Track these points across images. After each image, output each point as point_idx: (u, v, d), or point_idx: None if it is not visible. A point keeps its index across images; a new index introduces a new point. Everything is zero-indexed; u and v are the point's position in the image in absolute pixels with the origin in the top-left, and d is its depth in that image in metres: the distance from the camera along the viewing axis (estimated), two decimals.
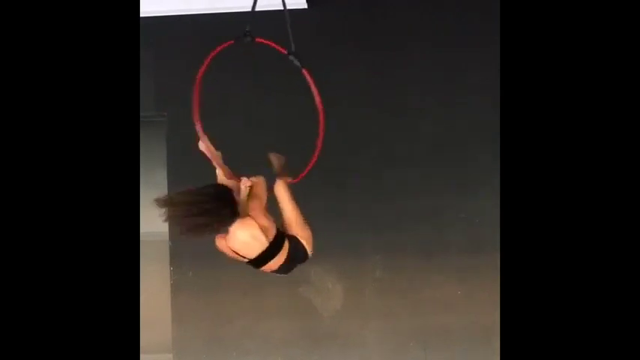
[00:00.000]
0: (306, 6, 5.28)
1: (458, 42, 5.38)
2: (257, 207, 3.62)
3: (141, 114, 5.55)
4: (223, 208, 3.55)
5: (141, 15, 5.36)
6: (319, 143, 3.75)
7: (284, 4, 3.83)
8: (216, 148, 3.75)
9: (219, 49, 3.55)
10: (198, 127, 3.61)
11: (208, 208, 3.54)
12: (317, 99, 3.70)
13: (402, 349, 5.37)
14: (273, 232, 3.63)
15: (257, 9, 3.83)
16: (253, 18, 3.65)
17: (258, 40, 3.66)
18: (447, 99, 5.39)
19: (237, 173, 3.65)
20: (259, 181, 3.71)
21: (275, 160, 3.89)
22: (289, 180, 3.83)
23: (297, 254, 3.71)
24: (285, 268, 3.74)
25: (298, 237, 3.71)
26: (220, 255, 5.33)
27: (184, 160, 5.50)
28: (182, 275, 5.48)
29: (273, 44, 3.65)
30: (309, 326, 5.41)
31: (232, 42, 3.57)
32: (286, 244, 3.68)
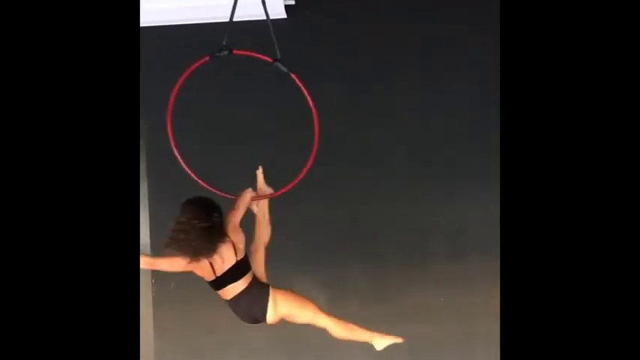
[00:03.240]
0: (285, 16, 5.29)
1: (445, 45, 5.40)
2: (234, 220, 3.54)
3: None
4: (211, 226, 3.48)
5: None
6: (314, 148, 3.73)
7: (266, 14, 3.84)
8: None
9: (193, 67, 3.53)
10: (177, 152, 3.57)
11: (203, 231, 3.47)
12: (310, 101, 3.70)
13: (385, 358, 5.36)
14: (242, 252, 3.55)
15: (236, 19, 3.82)
16: (231, 30, 3.66)
17: (235, 52, 3.62)
18: (430, 106, 5.42)
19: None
20: (245, 194, 3.66)
21: (260, 176, 3.87)
22: (272, 193, 3.82)
23: (256, 298, 3.60)
24: (241, 307, 3.62)
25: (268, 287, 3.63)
26: None
27: (165, 171, 5.48)
28: (164, 287, 5.44)
29: (254, 54, 3.64)
30: (291, 336, 5.39)
31: (207, 58, 3.55)
32: (250, 276, 3.59)
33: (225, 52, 3.58)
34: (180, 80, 3.50)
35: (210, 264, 3.57)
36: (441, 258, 5.36)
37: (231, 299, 3.65)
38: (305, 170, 3.73)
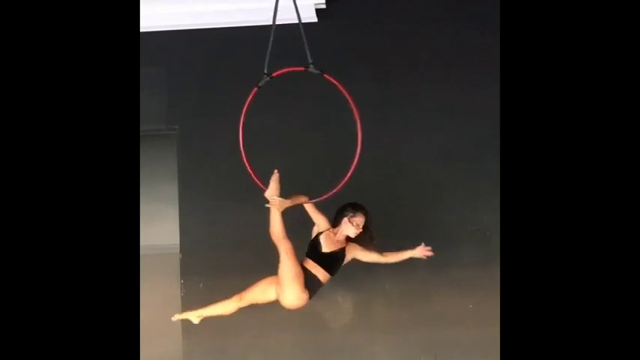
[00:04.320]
0: (316, 19, 5.32)
1: (464, 51, 5.40)
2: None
3: (152, 128, 5.70)
4: None
5: (152, 30, 5.45)
6: (357, 153, 3.85)
7: (299, 18, 3.88)
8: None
9: (248, 100, 3.80)
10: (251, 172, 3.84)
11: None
12: (349, 98, 3.81)
13: None
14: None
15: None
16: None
17: (275, 75, 3.83)
18: (461, 110, 5.39)
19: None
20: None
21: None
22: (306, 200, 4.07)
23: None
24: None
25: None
26: (229, 267, 5.38)
27: (195, 174, 5.54)
28: (193, 288, 5.49)
29: (290, 69, 3.82)
30: (318, 339, 5.40)
31: (257, 89, 3.82)
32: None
33: (268, 78, 3.83)
34: (244, 112, 3.81)
35: None
36: (470, 264, 5.32)
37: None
38: (349, 175, 3.89)
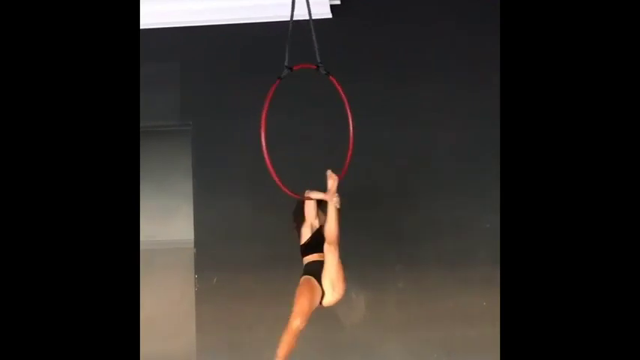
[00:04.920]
0: (330, 15, 5.32)
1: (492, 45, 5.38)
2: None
3: (166, 124, 5.72)
4: None
5: (166, 26, 5.48)
6: (349, 152, 3.87)
7: (310, 15, 3.91)
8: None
9: (271, 91, 3.77)
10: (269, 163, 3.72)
11: None
12: (346, 105, 3.81)
13: None
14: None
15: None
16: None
17: (295, 68, 3.87)
18: (476, 106, 5.38)
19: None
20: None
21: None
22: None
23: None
24: None
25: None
26: (243, 262, 5.40)
27: (210, 169, 5.56)
28: (206, 282, 5.51)
29: (305, 65, 3.86)
30: (331, 336, 5.40)
31: (279, 80, 3.82)
32: None
33: (288, 71, 3.86)
34: (267, 103, 3.74)
35: None
36: (484, 262, 5.31)
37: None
38: (344, 172, 3.83)
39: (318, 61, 3.90)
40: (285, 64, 3.84)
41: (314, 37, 3.89)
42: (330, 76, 3.92)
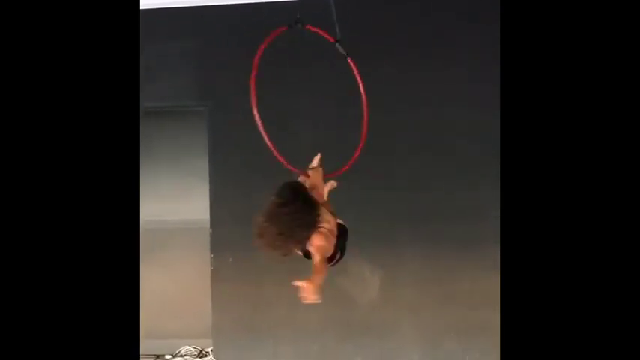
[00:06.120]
0: None
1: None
2: (318, 198, 3.43)
3: (183, 104, 5.72)
4: (309, 214, 3.30)
5: (186, 5, 5.46)
6: (364, 134, 3.74)
7: None
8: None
9: (273, 35, 3.49)
10: (257, 117, 3.54)
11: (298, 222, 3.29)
12: (361, 88, 3.71)
13: (437, 341, 5.37)
14: (335, 228, 3.45)
15: None
16: (301, 6, 3.67)
17: (308, 27, 3.63)
18: (489, 91, 5.34)
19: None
20: (316, 170, 3.59)
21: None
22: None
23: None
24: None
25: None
26: None
27: (226, 150, 5.57)
28: (222, 262, 5.55)
29: (323, 32, 3.65)
30: (346, 316, 5.43)
31: (285, 28, 3.54)
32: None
33: (300, 26, 3.57)
34: (262, 47, 3.44)
35: None
36: (497, 243, 5.28)
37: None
38: (355, 155, 3.72)
39: (338, 38, 3.71)
40: (298, 16, 3.54)
41: (333, 14, 3.72)
42: (349, 58, 3.71)
